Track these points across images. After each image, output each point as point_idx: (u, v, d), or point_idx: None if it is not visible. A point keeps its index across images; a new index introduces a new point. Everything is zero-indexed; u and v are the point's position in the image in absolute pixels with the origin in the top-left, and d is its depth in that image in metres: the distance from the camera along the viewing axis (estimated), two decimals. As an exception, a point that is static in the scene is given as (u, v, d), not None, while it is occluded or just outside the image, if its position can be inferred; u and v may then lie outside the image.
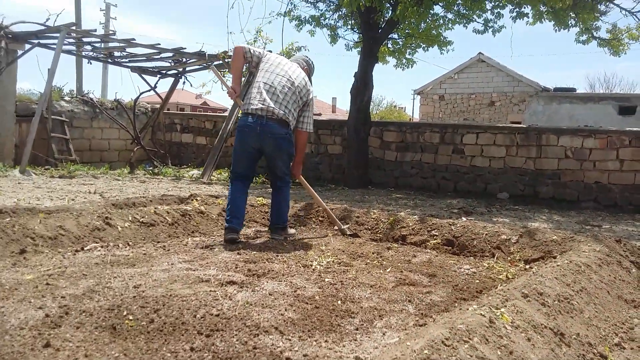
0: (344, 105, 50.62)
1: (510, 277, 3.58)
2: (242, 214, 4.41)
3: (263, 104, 4.27)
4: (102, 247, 3.84)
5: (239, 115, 4.41)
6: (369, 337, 2.34)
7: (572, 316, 2.63)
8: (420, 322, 2.51)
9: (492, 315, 2.14)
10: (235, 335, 2.22)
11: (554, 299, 2.66)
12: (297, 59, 4.86)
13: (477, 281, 3.45)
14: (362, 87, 9.95)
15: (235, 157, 4.48)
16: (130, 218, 4.48)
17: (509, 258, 4.24)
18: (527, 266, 3.98)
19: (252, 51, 4.52)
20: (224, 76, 8.85)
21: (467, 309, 2.28)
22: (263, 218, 5.43)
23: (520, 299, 2.47)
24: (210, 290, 2.75)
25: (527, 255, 4.21)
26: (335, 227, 5.07)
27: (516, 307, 2.34)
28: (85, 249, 3.74)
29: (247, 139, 4.34)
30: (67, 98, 11.72)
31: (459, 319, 2.09)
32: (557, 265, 3.26)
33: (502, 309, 2.24)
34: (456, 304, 2.91)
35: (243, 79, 8.75)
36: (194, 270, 3.20)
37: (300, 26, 10.82)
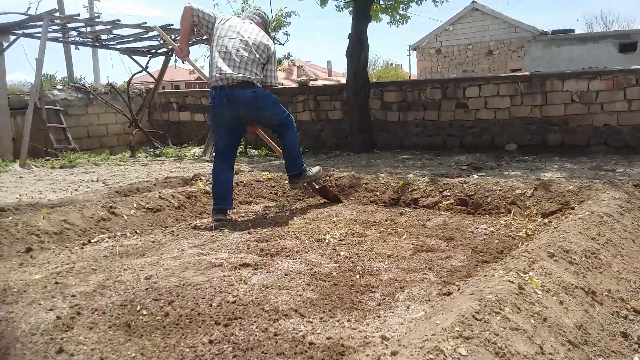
0: (340, 69, 50.00)
1: (529, 233, 3.48)
2: (230, 192, 4.34)
3: (220, 73, 4.14)
4: (109, 238, 3.75)
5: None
6: (393, 313, 2.25)
7: (601, 272, 2.53)
8: (444, 291, 2.42)
9: (520, 280, 2.04)
10: (254, 322, 2.14)
11: (581, 256, 2.55)
12: (249, 14, 4.69)
13: (497, 241, 3.35)
14: (357, 48, 9.70)
15: (214, 134, 4.46)
16: (135, 205, 4.38)
17: (525, 213, 4.13)
18: (546, 220, 3.88)
19: (201, 13, 4.34)
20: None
21: (493, 275, 2.18)
22: (270, 193, 5.33)
23: (547, 259, 2.37)
24: (224, 276, 2.66)
25: (544, 209, 4.10)
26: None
27: (544, 268, 2.24)
28: (92, 241, 3.65)
29: (219, 113, 4.23)
30: (59, 86, 11.52)
31: (487, 287, 2.00)
32: (579, 218, 3.15)
33: (530, 273, 2.14)
34: (478, 268, 2.82)
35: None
36: (206, 255, 3.10)
37: (289, -10, 10.52)
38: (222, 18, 4.43)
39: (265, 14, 4.77)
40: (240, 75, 4.14)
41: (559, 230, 2.89)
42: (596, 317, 2.08)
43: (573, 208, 3.86)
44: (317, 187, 4.90)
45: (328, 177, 5.42)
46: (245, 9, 10.74)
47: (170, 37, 10.88)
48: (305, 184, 4.77)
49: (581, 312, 2.03)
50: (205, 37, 4.99)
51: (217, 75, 4.15)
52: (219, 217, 4.14)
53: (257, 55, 4.26)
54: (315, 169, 4.70)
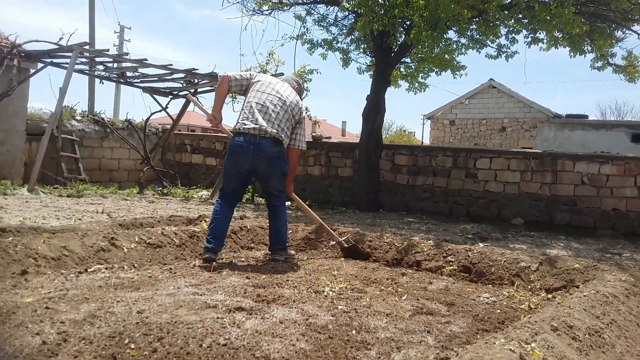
0: (354, 129, 50.69)
1: (532, 307, 3.40)
2: (224, 235, 4.35)
3: (255, 123, 4.21)
4: (106, 269, 3.70)
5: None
6: (387, 372, 2.17)
7: (604, 351, 2.45)
8: (441, 356, 2.34)
9: (522, 350, 1.98)
10: (244, 367, 2.07)
11: (585, 333, 2.48)
12: (287, 79, 4.83)
13: (498, 311, 3.28)
14: (374, 110, 9.87)
15: (225, 177, 4.43)
16: (136, 239, 4.35)
17: (529, 286, 4.05)
18: (550, 295, 3.80)
19: (237, 79, 4.46)
20: None
21: (494, 343, 2.11)
22: (265, 237, 5.28)
23: (550, 332, 2.30)
24: (218, 317, 2.60)
25: (548, 284, 4.02)
26: (333, 242, 5.01)
27: (546, 341, 2.17)
28: (89, 270, 3.61)
29: (240, 158, 4.27)
30: (78, 117, 11.71)
31: (487, 354, 1.93)
32: (584, 296, 3.09)
33: (533, 344, 2.07)
34: (478, 336, 2.74)
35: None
36: (201, 295, 3.05)
37: (313, 49, 10.80)
38: (260, 75, 4.59)
39: (301, 82, 4.94)
40: (274, 131, 4.22)
41: (563, 306, 2.83)
42: (598, 398, 1.99)
43: (578, 286, 3.79)
44: (345, 246, 4.93)
45: (333, 231, 5.38)
46: (270, 61, 11.04)
47: (196, 82, 11.20)
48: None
49: (582, 390, 1.95)
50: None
51: (252, 124, 4.21)
52: (209, 256, 4.12)
53: (290, 115, 4.38)
54: (291, 252, 4.72)
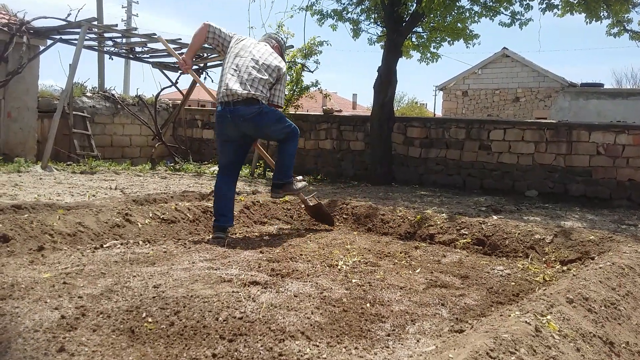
0: (365, 102, 50.33)
1: (547, 279, 3.39)
2: (230, 209, 4.31)
3: (227, 89, 4.16)
4: (121, 244, 3.73)
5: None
6: (402, 345, 2.18)
7: (620, 323, 2.44)
8: (456, 328, 2.35)
9: (537, 323, 1.97)
10: (260, 340, 2.08)
11: (600, 305, 2.47)
12: (266, 37, 4.74)
13: (513, 283, 3.27)
14: (385, 82, 9.76)
15: (218, 149, 4.42)
16: (150, 215, 4.38)
17: (543, 259, 4.03)
18: (565, 268, 3.78)
19: (217, 32, 4.38)
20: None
21: (509, 316, 2.11)
22: (285, 215, 5.30)
23: (566, 304, 2.29)
24: (233, 291, 2.62)
25: (563, 256, 4.00)
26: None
27: (562, 313, 2.16)
28: (104, 246, 3.64)
29: (223, 128, 4.25)
30: (88, 94, 11.73)
31: (502, 326, 1.93)
32: (600, 268, 3.06)
33: (548, 316, 2.06)
34: (492, 308, 2.74)
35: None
36: (216, 270, 3.07)
37: (322, 20, 10.67)
38: (237, 38, 4.47)
39: (282, 39, 4.84)
40: (245, 92, 4.14)
41: (578, 278, 2.81)
42: (614, 369, 1.99)
43: (593, 258, 3.76)
44: (310, 204, 4.88)
45: (345, 205, 5.39)
46: (280, 33, 10.89)
47: (205, 56, 11.12)
48: (298, 200, 4.69)
49: (598, 362, 1.95)
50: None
51: (224, 91, 4.18)
52: (218, 235, 4.12)
53: (267, 75, 4.28)
54: (300, 184, 4.64)
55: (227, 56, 4.35)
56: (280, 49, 4.69)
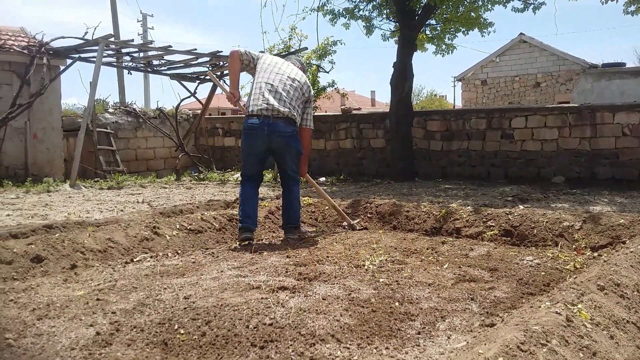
0: (383, 99, 50.10)
1: (578, 266, 3.34)
2: (255, 214, 4.40)
3: (267, 104, 4.22)
4: (151, 257, 3.80)
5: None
6: (433, 342, 2.18)
7: (655, 307, 2.40)
8: (487, 322, 2.34)
9: (568, 312, 1.95)
10: (291, 345, 2.10)
11: (633, 290, 2.43)
12: (290, 58, 4.85)
13: (543, 273, 3.23)
14: (401, 77, 9.72)
15: (244, 160, 4.50)
16: (177, 226, 4.45)
17: (573, 246, 3.98)
18: (595, 254, 3.72)
19: (247, 53, 4.48)
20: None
21: (539, 306, 2.09)
22: (310, 218, 5.32)
23: (597, 292, 2.26)
24: (262, 298, 2.65)
25: (593, 242, 3.94)
26: (345, 224, 5.02)
27: (593, 301, 2.14)
28: (134, 260, 3.71)
29: (255, 140, 4.30)
30: (110, 110, 11.94)
31: (533, 318, 1.91)
32: (631, 252, 3.01)
33: (579, 305, 2.04)
34: (523, 300, 2.71)
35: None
36: (244, 277, 3.10)
37: (335, 20, 10.67)
38: (266, 55, 4.62)
39: (303, 61, 4.95)
40: (287, 110, 4.23)
41: (609, 264, 2.77)
42: (650, 355, 1.96)
43: (624, 242, 3.70)
44: (358, 229, 4.97)
45: (369, 204, 5.39)
46: (293, 37, 10.94)
47: (221, 64, 11.22)
48: (322, 202, 4.81)
49: (632, 348, 1.92)
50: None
51: (264, 104, 4.22)
52: (246, 236, 4.19)
53: (301, 94, 4.39)
54: (306, 228, 4.76)
55: (258, 70, 4.43)
56: (304, 71, 4.78)
